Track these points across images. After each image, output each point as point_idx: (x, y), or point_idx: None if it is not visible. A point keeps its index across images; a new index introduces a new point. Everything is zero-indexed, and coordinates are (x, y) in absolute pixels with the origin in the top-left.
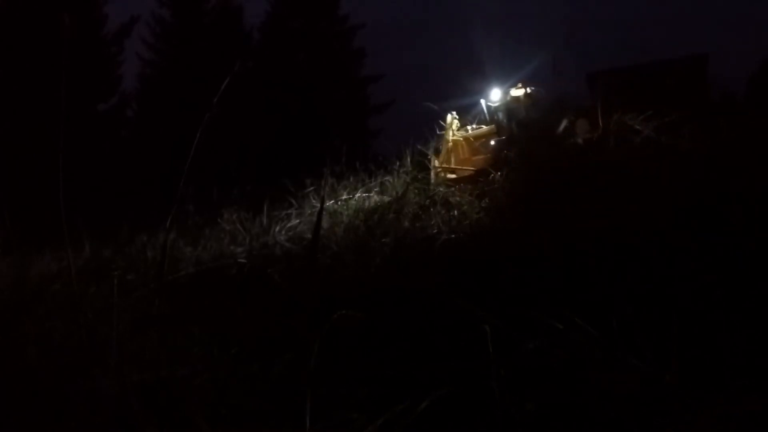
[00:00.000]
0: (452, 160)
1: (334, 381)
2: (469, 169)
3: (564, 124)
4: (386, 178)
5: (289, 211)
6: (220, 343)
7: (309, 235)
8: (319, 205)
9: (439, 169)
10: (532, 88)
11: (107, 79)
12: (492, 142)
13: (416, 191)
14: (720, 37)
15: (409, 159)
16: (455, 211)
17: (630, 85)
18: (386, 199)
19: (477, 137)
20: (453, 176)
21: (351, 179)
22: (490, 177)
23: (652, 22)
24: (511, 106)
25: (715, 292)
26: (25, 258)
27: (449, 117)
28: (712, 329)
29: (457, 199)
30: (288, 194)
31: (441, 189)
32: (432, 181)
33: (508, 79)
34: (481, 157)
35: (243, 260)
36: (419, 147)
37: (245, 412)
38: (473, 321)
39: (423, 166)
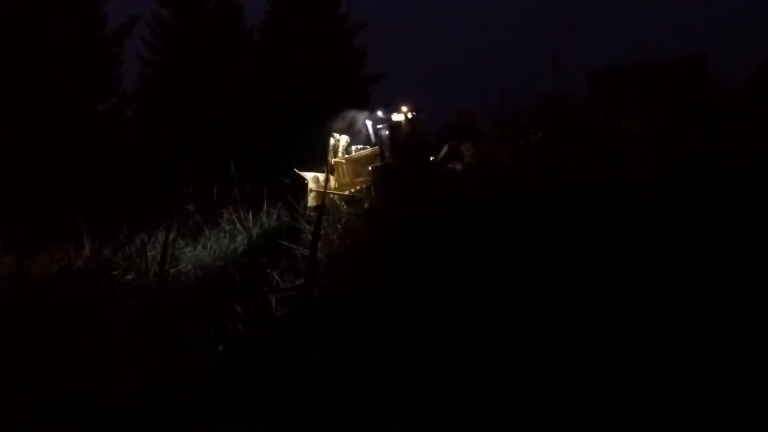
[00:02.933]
0: (333, 182)
1: (334, 381)
2: (342, 193)
3: (445, 149)
4: None
5: (289, 214)
6: (219, 343)
7: (309, 236)
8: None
9: (315, 192)
10: (414, 113)
11: (107, 78)
12: (370, 167)
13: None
14: (720, 37)
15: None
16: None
17: (630, 85)
18: None
19: (359, 159)
20: (332, 195)
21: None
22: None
23: (652, 22)
24: (392, 130)
25: (715, 292)
26: (25, 258)
27: (332, 139)
28: (712, 329)
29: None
30: (288, 193)
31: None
32: (308, 203)
33: (397, 102)
34: (361, 179)
35: (243, 260)
36: (295, 170)
37: (245, 412)
38: (474, 321)
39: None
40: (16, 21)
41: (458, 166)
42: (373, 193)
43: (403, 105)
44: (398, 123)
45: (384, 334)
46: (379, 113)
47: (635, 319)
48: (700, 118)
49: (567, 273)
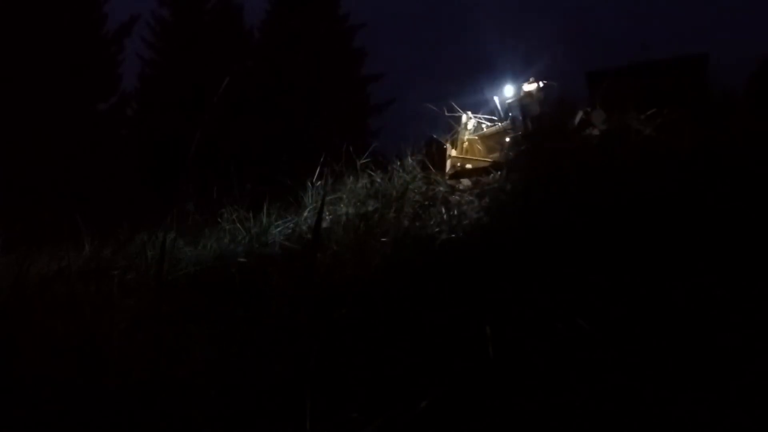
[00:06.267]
0: (469, 156)
1: (334, 381)
2: (486, 159)
3: (580, 115)
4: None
5: (289, 214)
6: (220, 343)
7: (309, 235)
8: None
9: (457, 160)
10: (545, 82)
11: (107, 78)
12: (507, 139)
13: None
14: (720, 37)
15: (409, 158)
16: (455, 211)
17: (630, 85)
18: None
19: (491, 136)
20: (469, 167)
21: (351, 178)
22: (490, 176)
23: (652, 22)
24: (524, 102)
25: (715, 292)
26: (25, 258)
27: (464, 117)
28: (712, 329)
29: (457, 198)
30: (288, 193)
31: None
32: (447, 170)
33: (519, 75)
34: (496, 154)
35: (243, 260)
36: (435, 137)
37: (245, 412)
38: (473, 321)
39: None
40: (15, 20)
41: (595, 132)
42: (510, 165)
43: (532, 75)
44: (530, 93)
45: (384, 334)
46: (508, 86)
47: (635, 318)
48: (699, 118)
49: (566, 273)
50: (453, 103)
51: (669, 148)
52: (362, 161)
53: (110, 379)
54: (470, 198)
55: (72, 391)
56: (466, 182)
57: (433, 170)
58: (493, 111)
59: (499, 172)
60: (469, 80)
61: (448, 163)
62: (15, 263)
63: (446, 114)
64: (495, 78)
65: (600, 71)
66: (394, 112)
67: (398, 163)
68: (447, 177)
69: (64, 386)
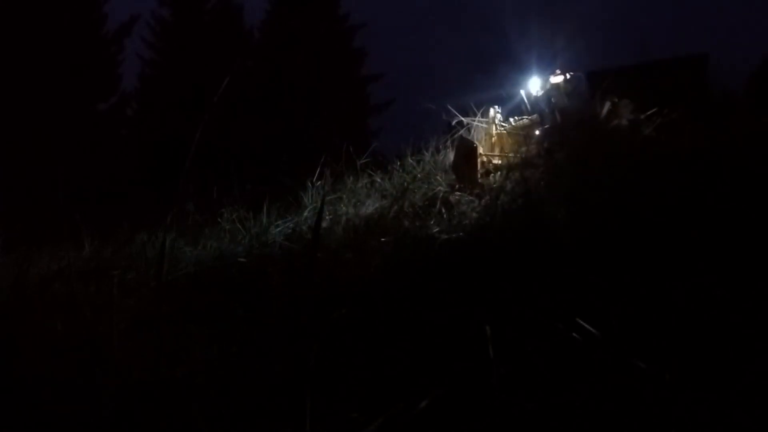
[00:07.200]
0: (497, 152)
1: (334, 381)
2: (513, 155)
3: (607, 106)
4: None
5: (289, 214)
6: (220, 343)
7: (309, 235)
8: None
9: (485, 156)
10: (571, 73)
11: (107, 78)
12: (537, 132)
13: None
14: (720, 37)
15: (409, 157)
16: (455, 211)
17: (630, 85)
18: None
19: (520, 129)
20: (497, 162)
21: (351, 178)
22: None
23: (652, 22)
24: (551, 94)
25: (715, 292)
26: (25, 257)
27: (491, 111)
28: (712, 329)
29: (457, 197)
30: (288, 193)
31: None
32: (478, 168)
33: (544, 69)
34: (524, 148)
35: (243, 260)
36: (464, 136)
37: (245, 412)
38: (473, 321)
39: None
40: (16, 20)
41: (624, 122)
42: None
43: (558, 68)
44: (556, 85)
45: (384, 334)
46: (534, 79)
47: (635, 318)
48: (699, 118)
49: (566, 272)
50: (468, 102)
51: (669, 148)
52: (362, 161)
53: (110, 379)
54: (470, 198)
55: (72, 391)
56: (494, 179)
57: (465, 170)
58: (504, 106)
59: (499, 173)
60: (472, 78)
61: (478, 162)
62: (15, 263)
63: (462, 113)
64: (505, 73)
65: (600, 71)
66: (394, 112)
67: (398, 163)
68: (480, 176)
69: (64, 386)
